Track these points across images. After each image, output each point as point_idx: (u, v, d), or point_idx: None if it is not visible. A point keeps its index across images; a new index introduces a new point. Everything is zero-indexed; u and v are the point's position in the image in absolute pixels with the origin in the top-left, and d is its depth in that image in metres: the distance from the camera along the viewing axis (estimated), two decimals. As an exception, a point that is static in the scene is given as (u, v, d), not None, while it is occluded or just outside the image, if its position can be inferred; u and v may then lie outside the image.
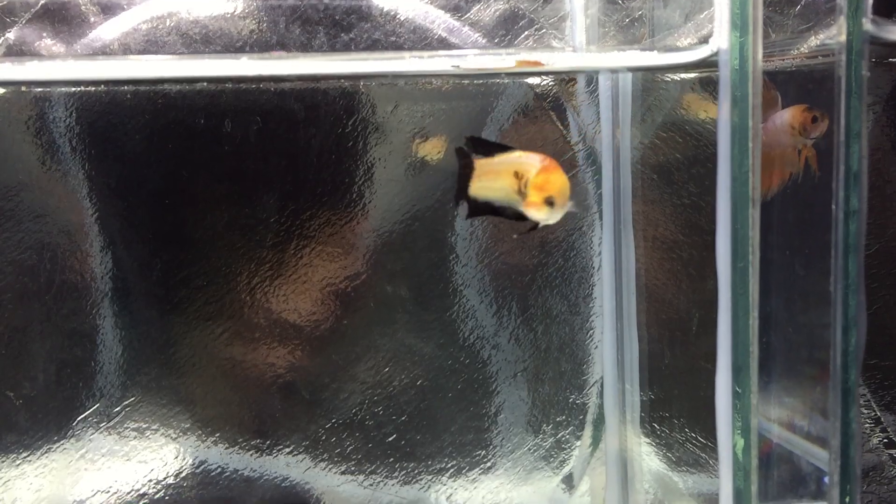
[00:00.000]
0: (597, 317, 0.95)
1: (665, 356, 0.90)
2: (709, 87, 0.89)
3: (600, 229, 0.94)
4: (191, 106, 0.88)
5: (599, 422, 0.95)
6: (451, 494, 0.94)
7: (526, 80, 0.92)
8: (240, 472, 0.91)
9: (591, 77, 0.93)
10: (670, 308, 0.90)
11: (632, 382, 0.91)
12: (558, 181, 0.70)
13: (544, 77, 0.92)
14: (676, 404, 0.90)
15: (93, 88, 0.87)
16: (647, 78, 0.90)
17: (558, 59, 0.76)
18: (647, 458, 0.92)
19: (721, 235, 0.58)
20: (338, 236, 0.90)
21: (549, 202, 0.68)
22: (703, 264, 0.89)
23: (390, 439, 0.93)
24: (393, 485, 0.93)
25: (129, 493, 0.90)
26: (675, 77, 0.90)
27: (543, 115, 0.93)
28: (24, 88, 0.87)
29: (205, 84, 0.88)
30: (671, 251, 0.91)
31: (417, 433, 0.93)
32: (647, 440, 0.92)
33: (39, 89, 0.87)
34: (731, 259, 0.57)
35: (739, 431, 0.57)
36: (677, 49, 0.67)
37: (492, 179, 0.73)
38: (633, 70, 0.83)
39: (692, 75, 0.90)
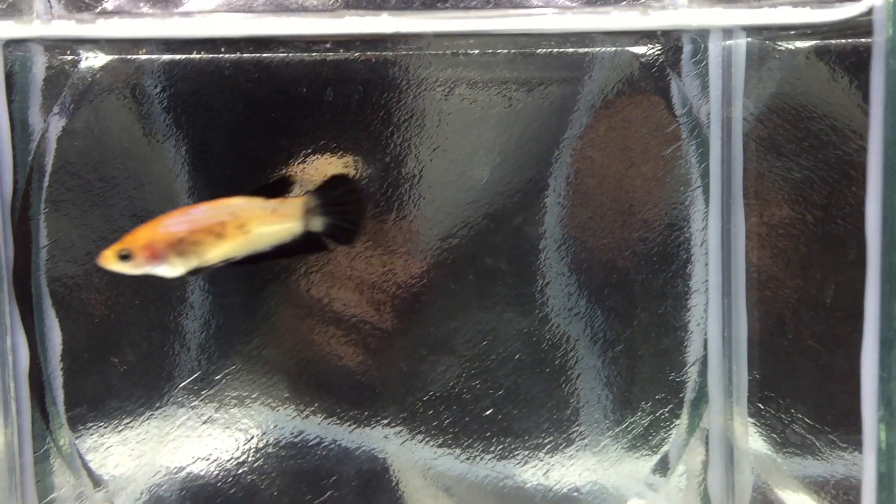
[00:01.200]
0: (698, 293, 0.92)
1: (774, 335, 0.87)
2: (824, 55, 0.86)
3: (704, 204, 0.91)
4: (292, 74, 0.87)
5: (699, 401, 0.93)
6: (547, 471, 0.93)
7: (630, 49, 0.90)
8: (337, 443, 0.91)
9: (699, 46, 0.90)
10: (781, 285, 0.87)
11: (738, 361, 0.89)
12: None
13: (651, 45, 0.89)
14: (784, 384, 0.88)
15: (196, 56, 0.87)
16: (761, 46, 0.87)
17: (692, 15, 0.73)
18: (752, 439, 0.89)
19: (871, 205, 0.55)
20: (438, 206, 0.89)
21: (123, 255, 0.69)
22: (816, 241, 0.86)
23: (487, 413, 0.92)
24: (489, 459, 0.92)
25: (228, 460, 0.91)
26: (790, 46, 0.87)
27: (648, 84, 0.90)
28: (128, 56, 0.87)
29: (306, 53, 0.87)
30: (783, 227, 0.87)
31: (514, 408, 0.92)
32: (752, 420, 0.89)
33: (144, 57, 0.87)
34: (882, 229, 0.54)
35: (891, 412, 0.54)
36: (826, 4, 0.64)
37: None
38: (775, 29, 0.79)
39: (808, 44, 0.86)
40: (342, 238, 0.78)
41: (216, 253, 0.71)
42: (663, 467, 0.94)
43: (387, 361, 0.90)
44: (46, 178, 0.88)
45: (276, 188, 0.77)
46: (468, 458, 0.92)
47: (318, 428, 0.91)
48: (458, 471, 0.92)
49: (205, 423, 0.90)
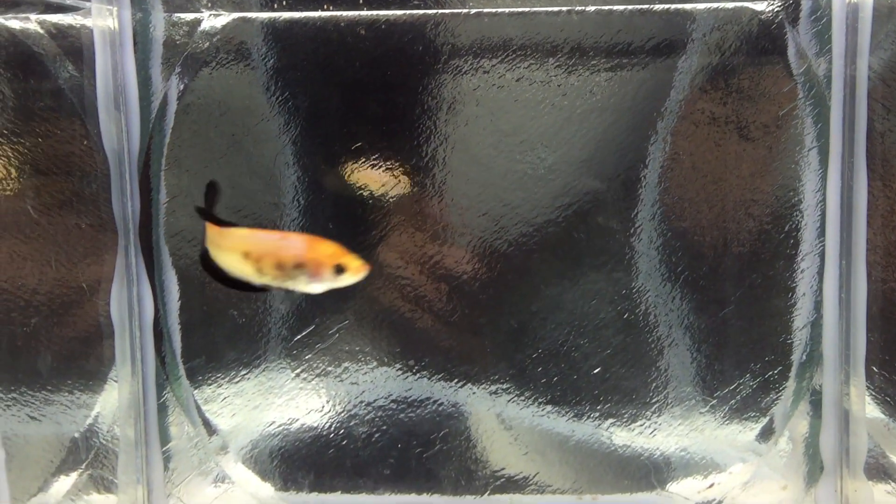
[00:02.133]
0: (811, 255, 0.91)
1: (894, 299, 0.86)
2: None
3: (819, 165, 0.90)
4: (409, 33, 0.88)
5: (808, 364, 0.92)
6: (654, 430, 0.93)
7: (749, 5, 0.88)
8: (447, 398, 0.92)
9: (818, 2, 0.88)
10: (902, 247, 0.86)
11: (855, 324, 0.87)
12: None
13: (770, 1, 0.88)
14: (903, 348, 0.86)
15: (315, 14, 0.88)
16: (889, 3, 0.85)
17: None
18: (868, 403, 0.88)
19: None
20: (550, 166, 0.89)
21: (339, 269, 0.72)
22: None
23: (595, 371, 0.92)
24: (597, 417, 0.93)
25: (340, 412, 0.93)
26: (915, 1, 0.84)
27: (766, 41, 0.88)
28: (249, 15, 0.89)
29: (422, 10, 0.87)
30: (905, 187, 0.86)
31: (622, 367, 0.92)
32: (868, 383, 0.88)
33: (264, 15, 0.89)
34: None
35: None
36: None
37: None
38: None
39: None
40: None
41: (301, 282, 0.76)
42: (768, 432, 0.94)
43: (497, 318, 0.91)
44: (168, 136, 0.91)
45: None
46: (576, 416, 0.93)
47: (429, 383, 0.92)
48: (565, 428, 0.93)
49: (318, 375, 0.93)
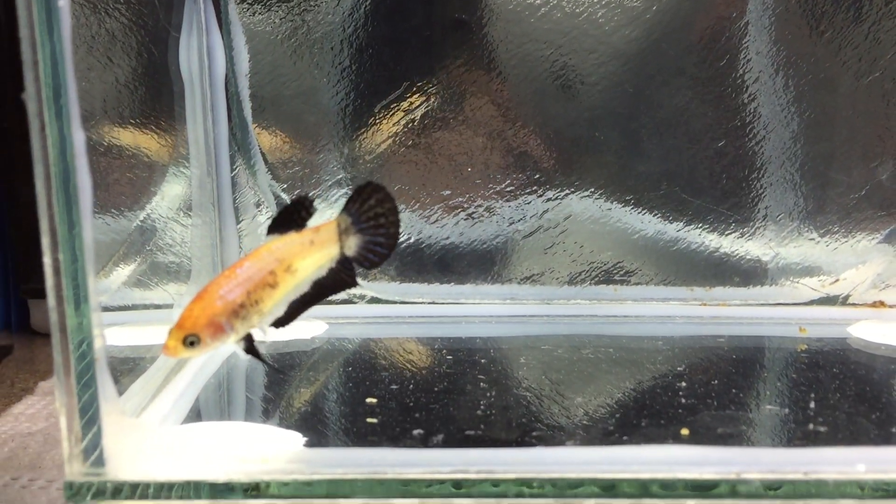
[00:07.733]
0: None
1: None
2: None
3: None
4: None
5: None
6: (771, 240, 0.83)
7: None
8: (552, 182, 0.83)
9: None
10: None
11: None
12: None
13: None
14: None
15: None
16: None
17: None
18: None
19: None
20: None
21: None
22: None
23: (720, 144, 0.82)
24: (720, 210, 0.83)
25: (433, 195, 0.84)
26: None
27: None
28: None
29: None
30: None
31: (751, 141, 0.82)
32: None
33: None
34: None
35: None
36: None
37: None
38: None
39: None
40: (374, 259, 0.66)
41: (272, 303, 0.63)
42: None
43: (613, 81, 0.81)
44: None
45: (300, 208, 0.65)
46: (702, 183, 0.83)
47: (534, 168, 0.83)
48: (676, 219, 0.83)
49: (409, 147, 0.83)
